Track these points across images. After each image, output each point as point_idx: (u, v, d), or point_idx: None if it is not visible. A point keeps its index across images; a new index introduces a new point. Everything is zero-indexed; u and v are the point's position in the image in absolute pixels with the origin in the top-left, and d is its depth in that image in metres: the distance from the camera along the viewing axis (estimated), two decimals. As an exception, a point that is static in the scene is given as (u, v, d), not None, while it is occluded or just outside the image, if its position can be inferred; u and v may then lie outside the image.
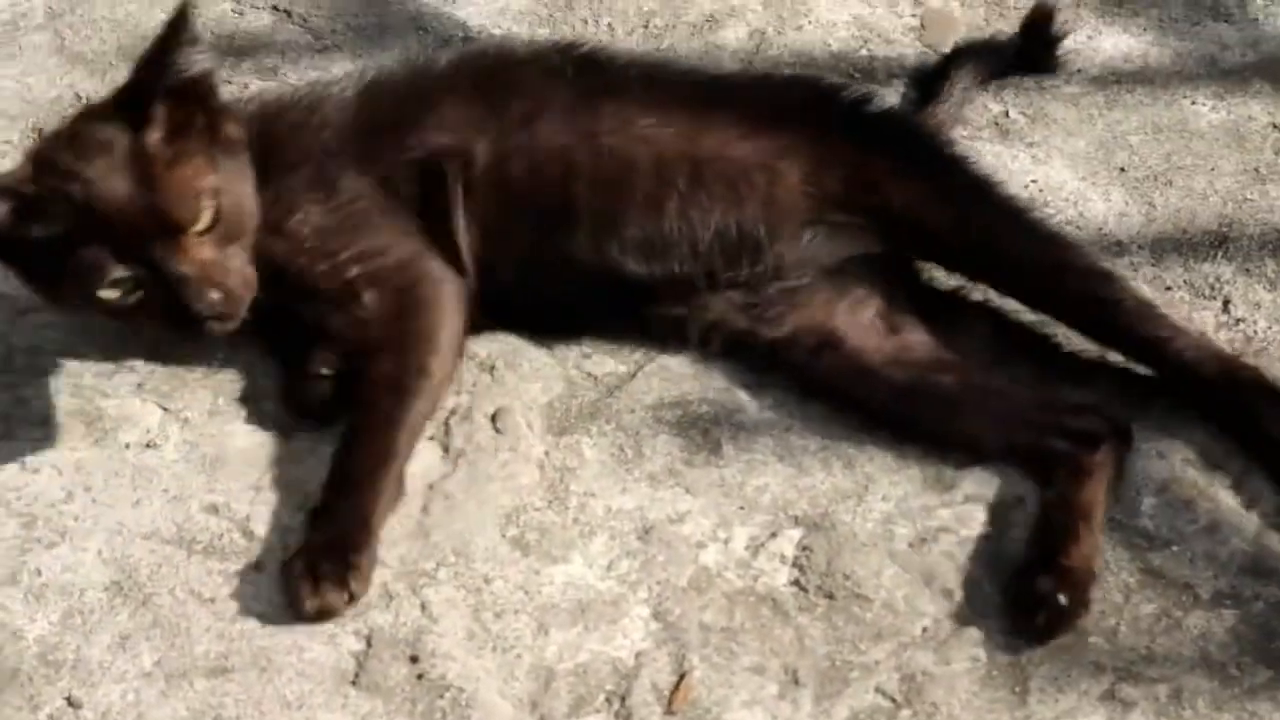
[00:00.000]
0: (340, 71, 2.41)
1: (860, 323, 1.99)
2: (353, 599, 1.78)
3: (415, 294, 1.98)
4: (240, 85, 2.48)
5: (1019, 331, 2.05)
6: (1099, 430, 1.88)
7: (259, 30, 2.56)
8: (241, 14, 2.60)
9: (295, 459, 1.96)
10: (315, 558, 1.78)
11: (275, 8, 2.60)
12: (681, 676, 1.73)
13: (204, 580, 1.84)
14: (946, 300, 2.07)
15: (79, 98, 2.47)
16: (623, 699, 1.71)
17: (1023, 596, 1.75)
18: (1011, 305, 2.06)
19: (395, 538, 1.85)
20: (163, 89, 1.86)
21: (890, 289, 2.03)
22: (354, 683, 1.74)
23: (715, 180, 2.00)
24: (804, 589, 1.81)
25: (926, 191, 2.02)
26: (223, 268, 1.86)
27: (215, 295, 1.84)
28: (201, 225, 1.84)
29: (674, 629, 1.77)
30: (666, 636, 1.76)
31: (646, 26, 2.56)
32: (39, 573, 1.86)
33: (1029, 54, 2.41)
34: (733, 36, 2.53)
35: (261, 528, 1.89)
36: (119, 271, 1.83)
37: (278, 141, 2.02)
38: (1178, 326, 1.94)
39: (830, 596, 1.79)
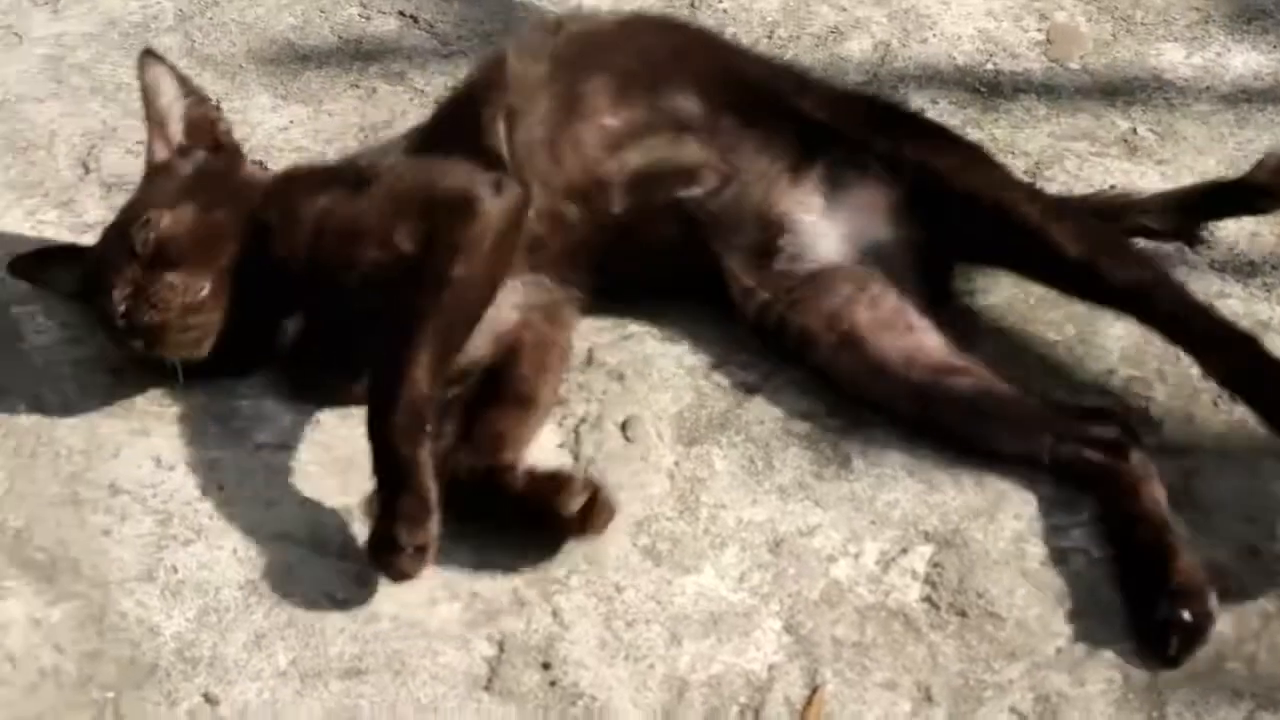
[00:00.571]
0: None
1: (879, 319, 1.99)
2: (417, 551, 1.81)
3: (448, 211, 1.99)
4: (367, 90, 2.48)
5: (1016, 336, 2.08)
6: (1121, 437, 1.90)
7: (385, 35, 2.58)
8: (369, 18, 2.61)
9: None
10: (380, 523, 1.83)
11: (402, 13, 2.62)
12: (814, 691, 1.73)
13: (336, 582, 1.85)
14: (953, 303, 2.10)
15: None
16: (756, 712, 1.71)
17: (1150, 628, 1.75)
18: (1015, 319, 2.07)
19: (525, 543, 1.85)
20: (157, 132, 2.14)
21: (905, 286, 2.03)
22: (487, 688, 1.75)
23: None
24: (936, 606, 1.79)
25: (936, 143, 2.09)
26: (145, 284, 1.97)
27: (119, 298, 1.97)
28: (135, 248, 1.99)
29: (806, 642, 1.77)
30: (799, 650, 1.76)
31: (771, 36, 2.56)
32: (175, 569, 1.88)
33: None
34: (857, 49, 2.53)
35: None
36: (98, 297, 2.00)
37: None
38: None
39: (962, 614, 1.78)
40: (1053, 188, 2.25)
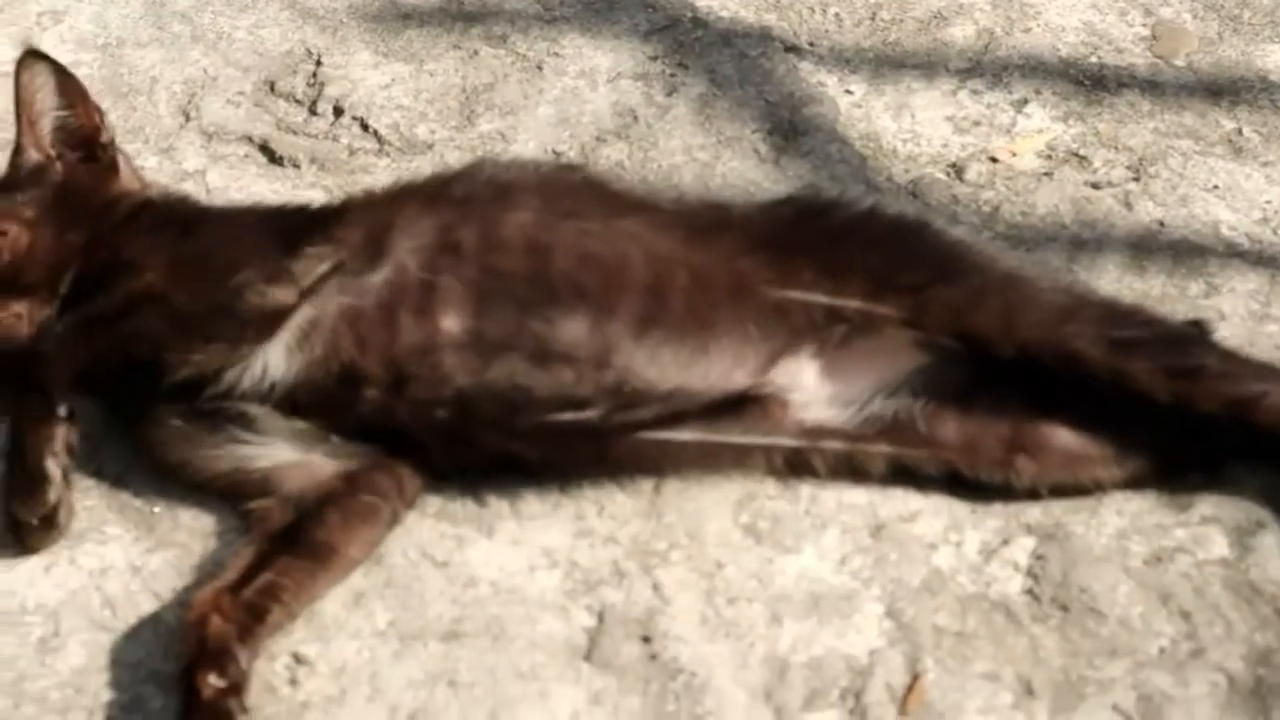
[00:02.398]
0: (568, 44, 2.39)
1: (1018, 421, 1.88)
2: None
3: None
4: (469, 51, 2.45)
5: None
6: None
7: (488, -3, 2.55)
8: (471, -21, 2.58)
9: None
10: None
11: (505, -25, 2.58)
12: (915, 678, 1.70)
13: (436, 543, 1.83)
14: None
15: (309, 53, 2.47)
16: (857, 696, 1.69)
17: None
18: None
19: (627, 516, 1.83)
20: (28, 136, 1.96)
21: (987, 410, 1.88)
22: (587, 658, 1.73)
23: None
24: (1037, 599, 1.77)
25: (962, 291, 1.86)
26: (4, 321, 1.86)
27: None
28: None
29: (907, 629, 1.74)
30: (900, 636, 1.74)
31: (873, 19, 2.53)
32: (273, 524, 1.85)
33: None
34: (960, 35, 2.49)
35: (494, 496, 1.87)
36: None
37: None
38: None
39: (1065, 609, 1.76)
40: (1156, 186, 2.23)
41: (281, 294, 1.79)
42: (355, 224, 1.84)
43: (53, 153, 1.95)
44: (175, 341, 1.80)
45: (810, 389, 1.87)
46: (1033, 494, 1.85)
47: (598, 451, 1.83)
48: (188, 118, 2.38)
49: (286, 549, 1.75)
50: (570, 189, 1.93)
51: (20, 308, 1.85)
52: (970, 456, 1.85)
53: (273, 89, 2.43)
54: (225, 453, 1.83)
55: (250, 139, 2.35)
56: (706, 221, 1.89)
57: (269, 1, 2.56)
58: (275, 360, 1.80)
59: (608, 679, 1.71)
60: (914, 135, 2.33)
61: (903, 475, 1.88)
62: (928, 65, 2.46)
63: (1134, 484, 1.86)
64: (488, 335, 1.78)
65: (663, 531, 1.83)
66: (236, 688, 1.64)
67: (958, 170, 2.27)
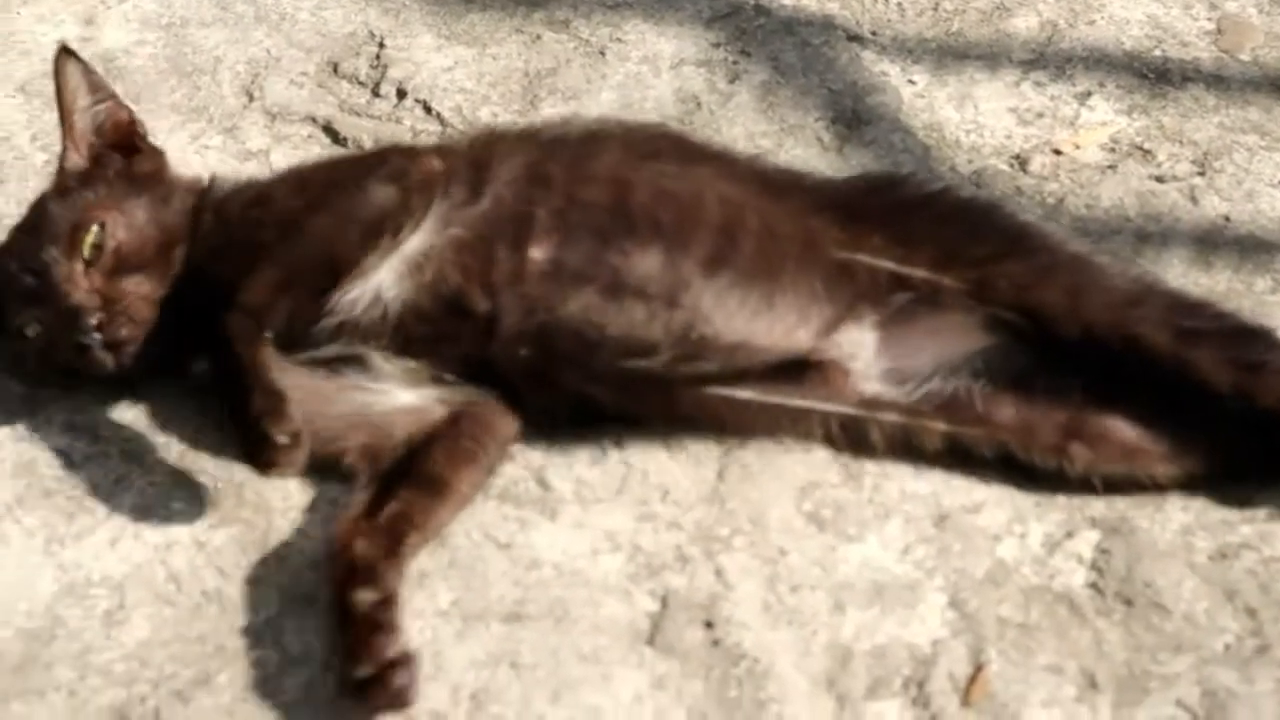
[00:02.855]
0: (631, 29, 2.39)
1: (1072, 406, 1.88)
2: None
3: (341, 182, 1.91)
4: (531, 36, 2.45)
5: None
6: None
7: (551, -18, 2.55)
8: (533, -36, 2.57)
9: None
10: None
11: (567, -40, 2.58)
12: (978, 669, 1.70)
13: (499, 525, 1.83)
14: None
15: (372, 35, 2.47)
16: (920, 685, 1.68)
17: None
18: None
19: (691, 501, 1.83)
20: (74, 136, 1.96)
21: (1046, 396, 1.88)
22: (649, 642, 1.73)
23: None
24: (1101, 592, 1.76)
25: (1030, 270, 1.87)
26: (116, 296, 1.85)
27: (95, 319, 1.82)
28: (85, 255, 1.85)
29: (971, 620, 1.74)
30: (963, 627, 1.73)
31: (936, 9, 2.52)
32: (335, 503, 1.87)
33: None
34: (1023, 26, 2.48)
35: (557, 479, 1.88)
36: (29, 313, 1.86)
37: None
38: None
39: (1129, 603, 1.75)
40: (1222, 180, 2.21)
41: (427, 161, 1.88)
42: (454, 155, 1.91)
43: (99, 147, 1.97)
44: (350, 238, 1.84)
45: (870, 359, 1.88)
46: (1086, 484, 1.85)
47: (665, 403, 1.85)
48: (251, 98, 2.39)
49: (404, 483, 1.80)
50: (652, 137, 2.01)
51: (143, 288, 1.86)
52: (1026, 439, 1.85)
53: (336, 70, 2.43)
54: (345, 400, 1.86)
55: (314, 120, 2.35)
56: (780, 180, 1.96)
57: (332, -17, 2.56)
58: (388, 283, 1.83)
59: (670, 663, 1.71)
60: (977, 126, 2.32)
61: (959, 457, 1.88)
62: (991, 56, 2.44)
63: (1190, 483, 1.85)
64: (568, 265, 1.81)
65: (726, 517, 1.83)
66: (388, 601, 1.69)
67: (1021, 162, 2.25)
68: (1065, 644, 1.72)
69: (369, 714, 1.65)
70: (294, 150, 2.29)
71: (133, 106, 2.04)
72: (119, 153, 1.96)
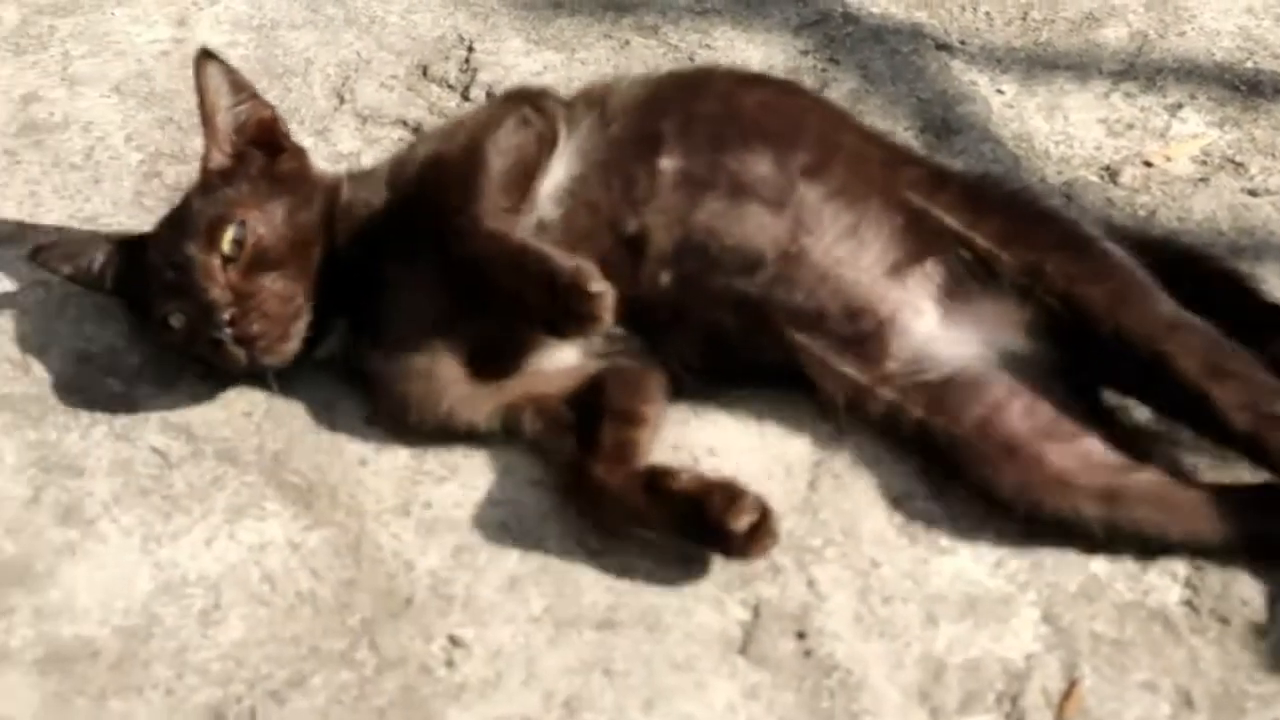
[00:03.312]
0: (720, 36, 2.39)
1: (1039, 427, 1.86)
2: None
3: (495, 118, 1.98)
4: (620, 41, 2.45)
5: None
6: None
7: (639, -13, 2.55)
8: (622, -30, 2.58)
9: (683, 420, 1.94)
10: None
11: (655, -34, 2.58)
12: (1072, 684, 1.69)
13: (591, 531, 1.84)
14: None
15: (461, 39, 2.48)
16: (1013, 700, 1.68)
17: None
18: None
19: (782, 510, 1.83)
20: (217, 135, 1.98)
21: (1056, 397, 1.88)
22: (742, 652, 1.72)
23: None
24: (1196, 610, 1.75)
25: (1082, 266, 1.88)
26: (251, 292, 1.87)
27: (227, 314, 1.85)
28: (225, 251, 1.88)
29: (1065, 635, 1.73)
30: (1057, 642, 1.72)
31: (1025, 18, 2.51)
32: (429, 505, 1.87)
33: None
34: (1113, 36, 2.47)
35: (649, 486, 1.86)
36: (171, 304, 1.89)
37: None
38: None
39: (1224, 621, 1.74)
40: (1314, 193, 2.19)
41: (553, 94, 2.01)
42: (571, 97, 2.02)
43: (242, 145, 1.99)
44: (524, 150, 1.92)
45: (929, 323, 1.91)
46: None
47: (761, 338, 1.90)
48: (342, 100, 2.40)
49: (598, 424, 1.86)
50: (755, 75, 2.23)
51: (278, 284, 1.88)
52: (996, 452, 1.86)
53: (425, 73, 2.44)
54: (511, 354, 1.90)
55: (404, 122, 2.37)
56: (871, 129, 2.11)
57: (420, -15, 2.57)
58: (548, 209, 1.91)
59: (762, 673, 1.71)
60: (1067, 137, 2.31)
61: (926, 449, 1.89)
62: (1080, 66, 2.43)
63: (1210, 551, 1.81)
64: (694, 173, 1.89)
65: (818, 528, 1.83)
66: (698, 472, 1.81)
67: (1112, 173, 2.24)
68: (1160, 661, 1.71)
69: (764, 556, 1.76)
70: (384, 153, 2.30)
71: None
72: (262, 150, 1.99)
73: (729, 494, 1.73)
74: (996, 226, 1.91)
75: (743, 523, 1.72)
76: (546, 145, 1.92)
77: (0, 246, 2.18)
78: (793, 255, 1.87)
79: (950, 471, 1.86)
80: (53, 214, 2.23)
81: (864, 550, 1.81)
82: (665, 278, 1.89)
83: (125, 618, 1.76)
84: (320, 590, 1.79)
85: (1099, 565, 1.79)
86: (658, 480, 1.78)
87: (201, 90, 1.97)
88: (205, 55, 1.97)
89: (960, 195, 1.93)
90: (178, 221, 1.93)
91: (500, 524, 1.85)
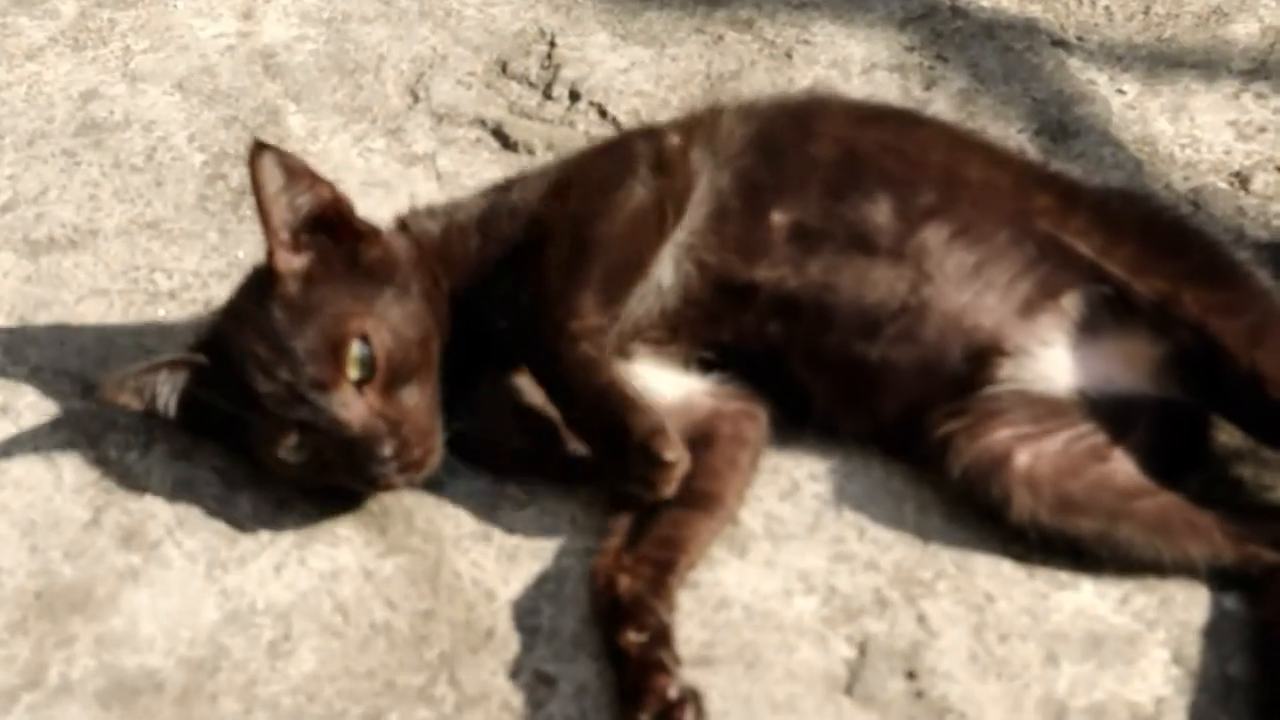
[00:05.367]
0: (819, 31, 2.38)
1: (1065, 465, 1.83)
2: None
3: (602, 178, 1.92)
4: (713, 36, 2.44)
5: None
6: None
7: (731, -20, 2.54)
8: (707, -40, 2.57)
9: (780, 445, 1.92)
10: None
11: (750, -43, 2.57)
12: (1206, 731, 1.66)
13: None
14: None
15: (543, 33, 2.48)
16: (1142, 748, 1.65)
17: None
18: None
19: (889, 540, 1.82)
20: (278, 232, 1.82)
21: (1132, 443, 1.86)
22: (847, 692, 1.71)
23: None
24: (1338, 652, 1.71)
25: (1221, 297, 1.83)
26: (393, 414, 1.78)
27: (388, 448, 1.76)
28: (355, 375, 1.77)
29: (1197, 678, 1.69)
30: (1189, 685, 1.69)
31: (1147, 13, 2.48)
32: (510, 532, 1.86)
33: None
34: (1243, 32, 2.44)
35: (746, 514, 1.87)
36: (291, 438, 1.79)
37: None
38: None
39: (1369, 664, 1.70)
40: None
41: (671, 141, 1.91)
42: (686, 131, 1.93)
43: (302, 239, 1.85)
44: (642, 238, 1.86)
45: (1061, 357, 1.87)
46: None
47: (867, 409, 1.88)
48: (416, 98, 2.40)
49: (670, 502, 1.78)
50: (869, 102, 2.16)
51: (420, 397, 1.82)
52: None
53: (505, 70, 2.44)
54: None
55: (483, 122, 2.37)
56: (997, 147, 2.03)
57: (500, -24, 2.57)
58: (666, 273, 1.87)
59: (870, 715, 1.69)
60: (1193, 140, 2.28)
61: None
62: (1207, 65, 2.41)
63: None
64: (808, 225, 1.86)
65: (928, 559, 1.81)
66: (661, 639, 1.69)
67: (1242, 180, 2.22)
68: (1299, 707, 1.68)
69: None
70: (461, 154, 2.30)
71: (332, 181, 1.93)
72: (330, 238, 1.86)
73: (643, 687, 1.68)
74: (1130, 252, 1.86)
75: (644, 716, 1.67)
76: (670, 214, 1.86)
77: (57, 251, 2.18)
78: (913, 307, 1.84)
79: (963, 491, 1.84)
80: (112, 218, 2.23)
81: (978, 584, 1.79)
82: (774, 328, 1.87)
83: (191, 648, 1.76)
84: (396, 621, 1.78)
85: (1231, 602, 1.77)
86: (618, 625, 1.74)
87: (257, 186, 1.81)
88: (260, 147, 1.81)
89: (1093, 218, 1.87)
90: (271, 349, 1.80)
91: (585, 552, 1.84)
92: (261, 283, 1.84)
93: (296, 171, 1.82)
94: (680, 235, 1.86)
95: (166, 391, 1.86)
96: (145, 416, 1.92)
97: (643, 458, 1.73)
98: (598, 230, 1.84)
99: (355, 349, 1.77)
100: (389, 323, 1.80)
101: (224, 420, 1.83)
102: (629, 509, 1.81)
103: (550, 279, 1.81)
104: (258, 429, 1.80)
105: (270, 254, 1.82)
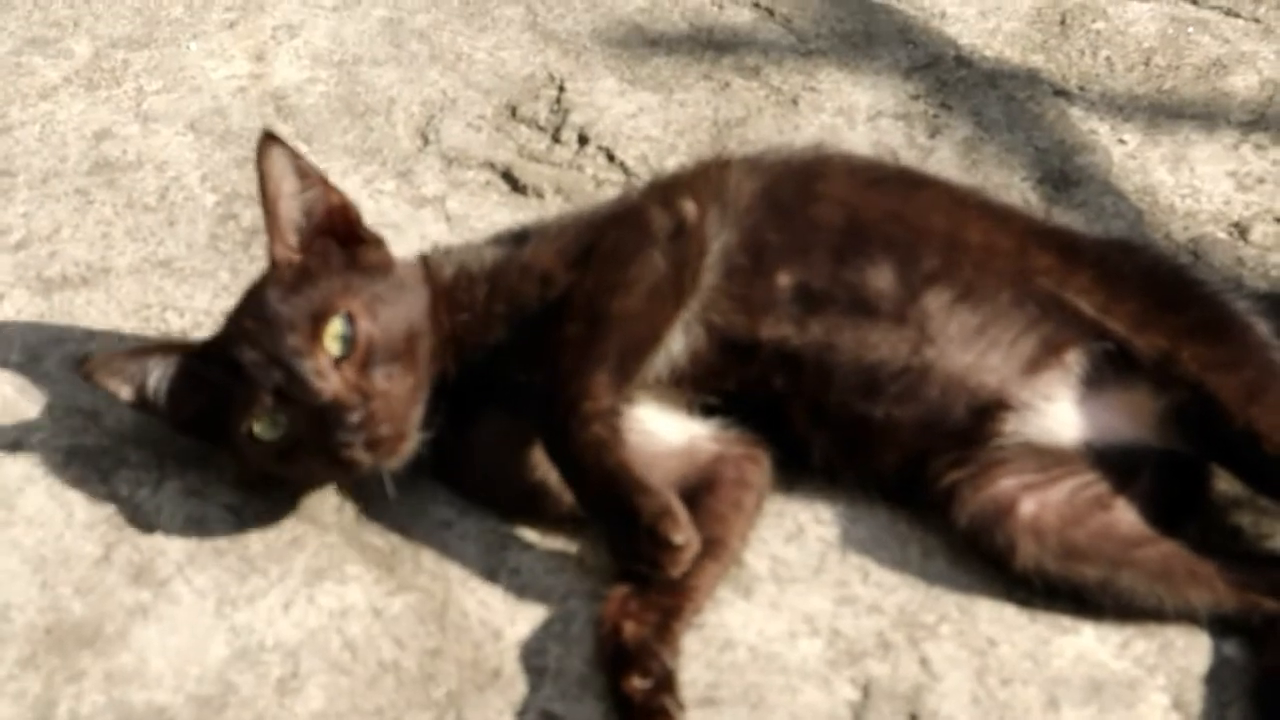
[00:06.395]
0: (825, 78, 2.40)
1: (1070, 515, 1.85)
2: None
3: (614, 246, 1.91)
4: (720, 83, 2.47)
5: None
6: None
7: (739, 26, 2.57)
8: (721, 8, 2.61)
9: (786, 488, 1.94)
10: None
11: (756, 4, 2.61)
12: (1205, 777, 1.67)
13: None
14: None
15: (552, 78, 2.50)
16: (1142, 793, 1.66)
17: None
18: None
19: (893, 584, 1.83)
20: (280, 226, 1.88)
21: (1135, 491, 1.88)
22: (851, 734, 1.71)
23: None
24: (1337, 699, 1.73)
25: (1219, 353, 1.85)
26: (366, 388, 1.81)
27: (355, 416, 1.78)
28: (335, 351, 1.81)
29: (1197, 723, 1.71)
30: (1188, 731, 1.70)
31: (1148, 64, 2.51)
32: (518, 571, 1.87)
33: None
34: (1241, 84, 2.46)
35: (751, 556, 1.88)
36: (265, 401, 1.80)
37: None
38: None
39: (1368, 711, 1.71)
40: None
41: (687, 209, 1.90)
42: (698, 191, 1.93)
43: (311, 235, 1.91)
44: (658, 313, 1.87)
45: (1067, 410, 1.89)
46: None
47: (868, 466, 1.90)
48: (426, 140, 2.42)
49: None
50: (872, 163, 2.14)
51: (396, 381, 1.84)
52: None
53: (514, 114, 2.46)
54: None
55: (492, 165, 2.38)
56: (997, 206, 2.03)
57: (509, 23, 2.59)
58: (677, 339, 1.88)
59: (873, 758, 1.70)
60: (1193, 190, 2.30)
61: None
62: (1207, 116, 2.43)
63: None
64: (812, 287, 1.87)
65: (931, 603, 1.82)
66: (665, 685, 1.71)
67: (1242, 230, 2.24)
68: (1299, 754, 1.69)
69: None
70: (470, 197, 2.32)
71: (337, 186, 1.97)
72: (335, 240, 1.91)
73: None
74: (1131, 309, 1.87)
75: None
76: (688, 286, 1.88)
77: (70, 288, 2.19)
78: (916, 368, 1.86)
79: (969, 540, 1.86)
80: (124, 257, 2.24)
81: (981, 628, 1.80)
82: (778, 382, 1.88)
83: (199, 685, 1.77)
84: (404, 660, 1.79)
85: (1231, 648, 1.78)
86: (622, 670, 1.76)
87: (263, 177, 1.87)
88: (269, 138, 1.87)
89: (1094, 275, 1.88)
90: (260, 322, 1.84)
91: (592, 594, 1.85)
92: (265, 278, 1.89)
93: (305, 171, 1.89)
94: (693, 304, 1.87)
95: (156, 378, 1.90)
96: (134, 406, 1.94)
97: (651, 540, 1.74)
98: (615, 306, 1.85)
99: (337, 324, 1.81)
100: (375, 310, 1.84)
101: (208, 408, 1.86)
102: (636, 582, 1.81)
103: (565, 355, 1.83)
104: (235, 402, 1.81)
105: (270, 245, 1.88)
